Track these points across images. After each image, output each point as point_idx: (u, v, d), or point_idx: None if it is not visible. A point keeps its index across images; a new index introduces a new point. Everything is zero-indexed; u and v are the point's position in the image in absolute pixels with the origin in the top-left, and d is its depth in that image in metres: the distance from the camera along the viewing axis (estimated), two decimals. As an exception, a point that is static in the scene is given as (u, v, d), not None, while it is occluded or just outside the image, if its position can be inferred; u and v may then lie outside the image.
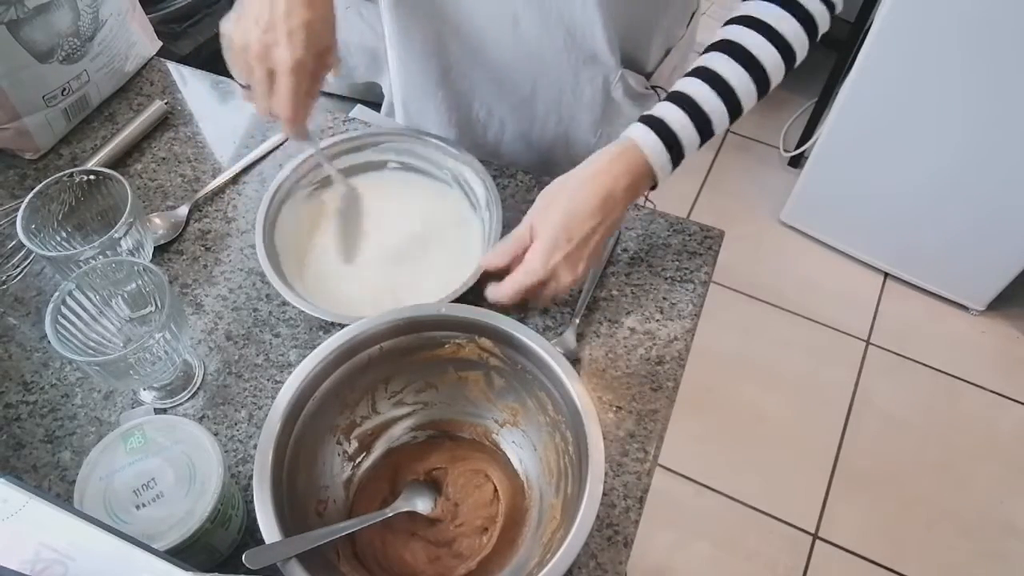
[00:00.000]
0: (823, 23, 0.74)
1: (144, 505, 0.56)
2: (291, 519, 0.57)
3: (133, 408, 0.72)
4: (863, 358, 1.84)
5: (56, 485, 0.68)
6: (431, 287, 0.76)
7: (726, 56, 0.72)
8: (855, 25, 1.84)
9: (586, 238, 0.69)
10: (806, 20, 0.72)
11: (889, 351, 1.85)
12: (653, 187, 0.74)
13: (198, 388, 0.73)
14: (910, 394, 1.78)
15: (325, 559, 0.59)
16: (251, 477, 0.56)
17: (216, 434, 0.70)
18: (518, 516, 0.66)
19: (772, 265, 1.99)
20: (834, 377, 1.81)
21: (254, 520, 0.54)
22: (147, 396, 0.73)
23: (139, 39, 0.97)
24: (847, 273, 1.98)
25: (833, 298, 1.93)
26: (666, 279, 0.82)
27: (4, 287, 0.79)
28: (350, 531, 0.60)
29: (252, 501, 0.55)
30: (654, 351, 0.77)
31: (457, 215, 0.85)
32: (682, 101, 0.71)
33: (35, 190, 0.72)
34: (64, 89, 0.89)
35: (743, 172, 2.18)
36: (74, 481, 0.57)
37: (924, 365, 1.83)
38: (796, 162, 2.16)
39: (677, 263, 0.83)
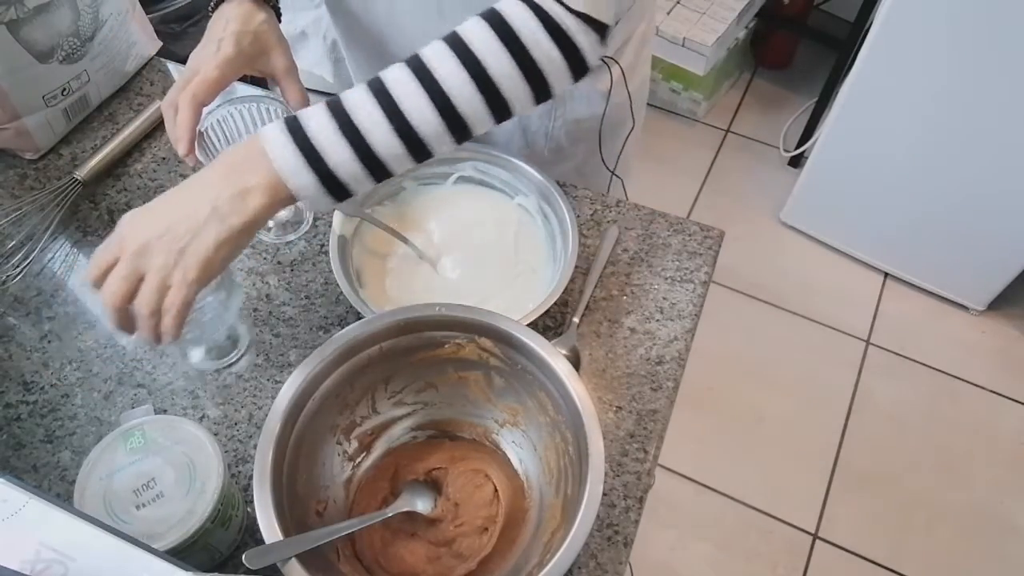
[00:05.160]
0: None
1: (144, 505, 0.56)
2: (291, 519, 0.57)
3: (133, 408, 0.72)
4: (863, 358, 1.84)
5: (56, 485, 0.68)
6: (500, 304, 0.72)
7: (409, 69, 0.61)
8: (855, 25, 1.84)
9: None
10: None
11: (889, 351, 1.85)
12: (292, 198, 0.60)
13: (243, 354, 0.76)
14: (910, 394, 1.78)
15: (325, 559, 0.59)
16: (251, 477, 0.56)
17: (216, 434, 0.70)
18: (518, 516, 0.66)
19: (772, 265, 1.99)
20: (834, 377, 1.81)
21: (254, 520, 0.55)
22: (196, 354, 0.75)
23: (139, 39, 0.97)
24: (847, 273, 1.97)
25: (833, 298, 1.93)
26: (666, 279, 0.82)
27: (4, 287, 0.79)
28: (350, 531, 0.60)
29: (252, 501, 0.55)
30: (654, 351, 0.77)
31: (522, 229, 0.83)
32: (332, 103, 0.61)
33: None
34: (64, 89, 0.89)
35: (743, 172, 2.18)
36: (74, 481, 0.57)
37: (924, 365, 1.83)
38: (796, 162, 2.16)
39: (677, 263, 0.83)
